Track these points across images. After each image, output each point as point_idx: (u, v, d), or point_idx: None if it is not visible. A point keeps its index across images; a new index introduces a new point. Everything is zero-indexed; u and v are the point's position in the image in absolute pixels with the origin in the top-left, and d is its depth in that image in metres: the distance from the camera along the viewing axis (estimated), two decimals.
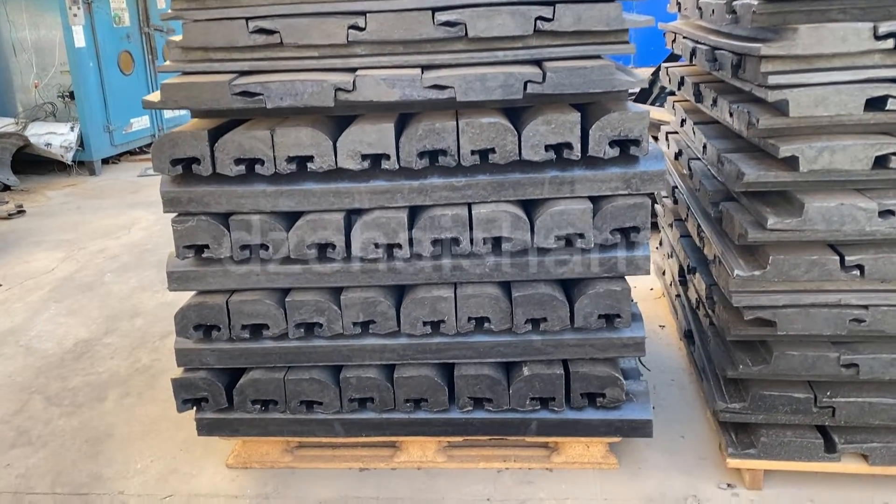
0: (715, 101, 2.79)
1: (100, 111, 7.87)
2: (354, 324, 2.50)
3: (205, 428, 2.69)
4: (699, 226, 2.86)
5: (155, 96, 2.30)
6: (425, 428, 2.64)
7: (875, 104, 2.15)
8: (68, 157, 7.64)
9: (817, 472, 2.52)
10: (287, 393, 2.58)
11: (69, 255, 5.38)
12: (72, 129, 7.63)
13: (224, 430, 2.69)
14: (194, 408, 2.68)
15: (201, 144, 2.29)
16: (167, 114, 8.97)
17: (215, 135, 2.33)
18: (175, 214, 2.43)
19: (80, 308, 4.40)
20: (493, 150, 2.28)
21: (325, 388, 2.57)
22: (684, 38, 3.27)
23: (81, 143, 7.77)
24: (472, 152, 2.29)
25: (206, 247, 2.43)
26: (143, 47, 8.52)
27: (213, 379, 2.60)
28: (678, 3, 3.37)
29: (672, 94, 4.20)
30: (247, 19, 2.27)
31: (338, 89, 2.23)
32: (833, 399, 2.41)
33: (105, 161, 8.18)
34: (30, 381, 3.56)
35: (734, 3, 2.49)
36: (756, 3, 2.24)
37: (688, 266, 3.06)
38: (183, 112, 9.26)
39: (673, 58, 7.08)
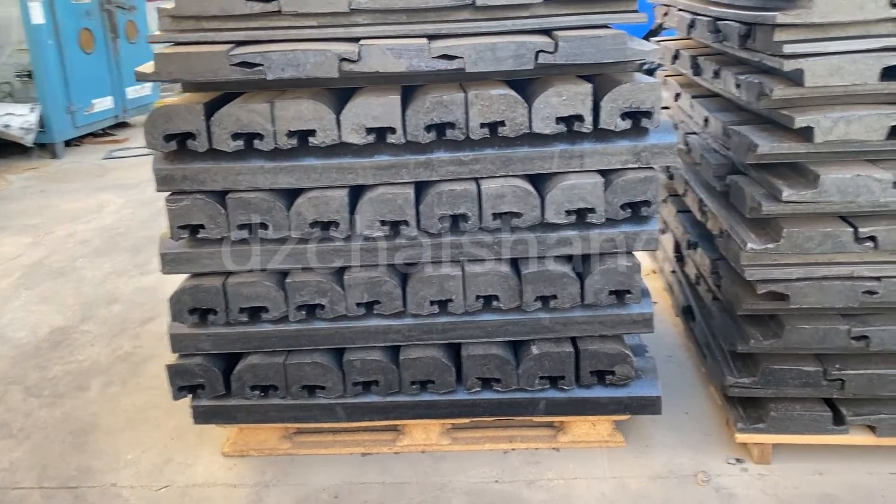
0: (717, 74, 2.75)
1: (61, 91, 7.57)
2: (358, 304, 2.42)
3: (201, 416, 2.59)
4: (701, 200, 2.83)
5: (148, 67, 2.17)
6: (431, 410, 2.58)
7: (890, 73, 2.12)
8: (29, 140, 7.35)
9: (826, 444, 2.52)
10: (288, 378, 2.50)
11: (36, 240, 5.18)
12: (31, 109, 7.34)
13: (221, 418, 2.60)
14: (190, 395, 2.57)
15: (196, 119, 2.18)
16: (131, 94, 8.69)
17: (211, 109, 2.21)
18: (168, 193, 2.32)
19: (53, 295, 4.23)
20: (502, 123, 2.21)
21: (328, 372, 2.49)
22: (679, 10, 3.23)
23: (42, 124, 7.48)
24: (482, 125, 2.21)
25: (202, 227, 2.32)
26: (104, 24, 8.21)
27: (210, 365, 2.50)
28: None
29: (654, 70, 4.17)
30: None
31: (342, 59, 2.13)
32: (842, 372, 2.41)
33: (67, 143, 7.89)
34: (5, 372, 3.41)
35: None
36: None
37: (688, 241, 3.03)
38: (148, 91, 9.00)
39: (652, 33, 7.07)
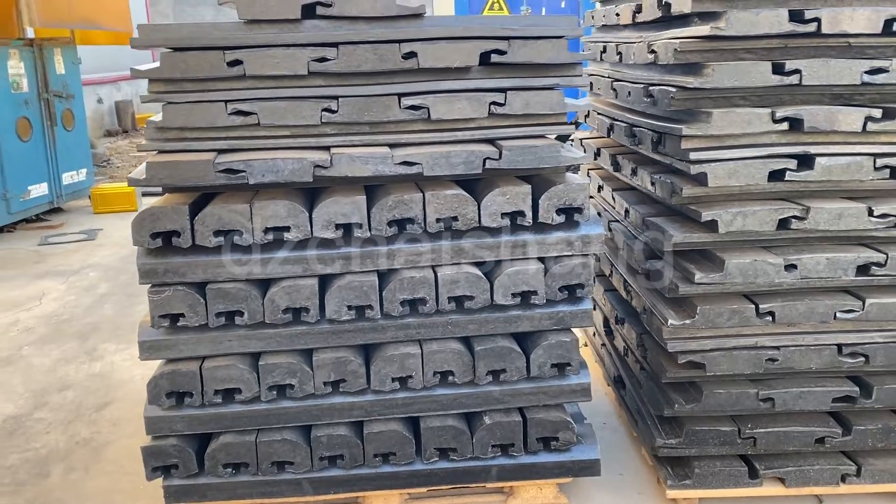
0: (634, 171, 3.17)
1: None
2: (325, 383, 2.64)
3: (172, 495, 2.72)
4: (625, 281, 3.20)
5: (140, 174, 2.42)
6: (392, 481, 2.78)
7: (776, 175, 2.56)
8: None
9: (743, 496, 2.84)
10: (259, 455, 2.67)
11: None
12: None
13: (192, 497, 2.73)
14: (162, 476, 2.71)
15: (182, 218, 2.42)
16: (66, 179, 8.74)
17: (192, 209, 2.46)
18: (150, 285, 2.52)
19: (1, 383, 4.25)
20: (455, 219, 2.53)
21: (297, 448, 2.68)
22: (599, 114, 3.68)
23: None
24: (437, 220, 2.52)
25: (182, 315, 2.53)
26: (42, 113, 8.32)
27: (184, 445, 2.66)
28: (590, 84, 3.79)
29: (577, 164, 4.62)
30: (226, 102, 2.44)
31: (316, 166, 2.42)
32: (754, 430, 2.75)
33: (1, 230, 7.85)
34: None
35: (650, 88, 2.88)
36: (673, 90, 2.63)
37: (615, 317, 3.38)
38: (83, 177, 9.06)
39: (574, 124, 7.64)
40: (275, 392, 2.63)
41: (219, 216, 2.43)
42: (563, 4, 10.68)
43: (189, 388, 2.59)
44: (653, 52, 2.82)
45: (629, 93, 3.15)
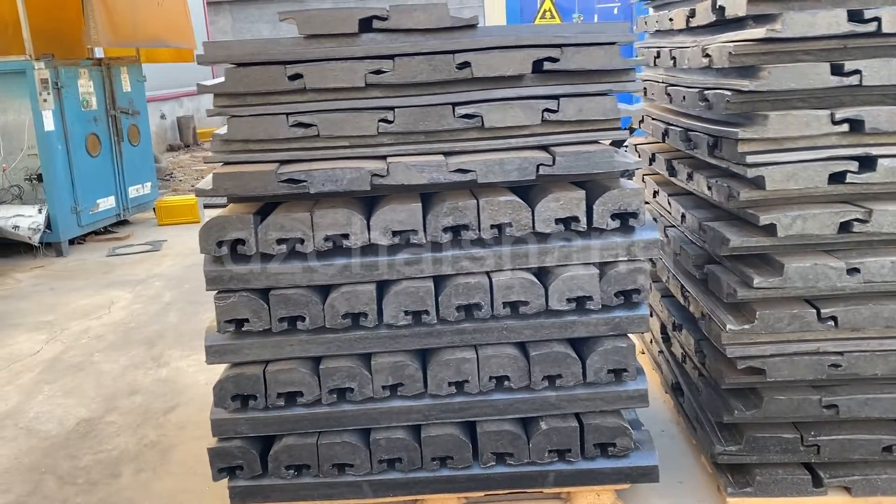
0: (690, 176, 3.15)
1: (67, 193, 7.93)
2: (384, 387, 2.70)
3: (238, 496, 2.81)
4: (682, 286, 3.18)
5: (206, 184, 2.52)
6: (450, 485, 2.82)
7: (836, 178, 2.52)
8: (36, 239, 7.65)
9: None
10: (320, 457, 2.74)
11: (52, 336, 5.40)
12: (39, 210, 7.66)
13: (257, 497, 2.81)
14: (227, 477, 2.80)
15: (247, 227, 2.51)
16: (132, 193, 9.07)
17: (256, 218, 2.55)
18: (216, 291, 2.62)
19: (75, 388, 4.44)
20: (510, 224, 2.56)
21: (357, 451, 2.74)
22: (653, 119, 3.66)
23: (49, 224, 7.80)
24: (492, 226, 2.56)
25: (246, 321, 2.62)
26: (110, 129, 8.66)
27: (248, 446, 2.75)
28: (644, 89, 3.78)
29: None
30: (287, 114, 2.53)
31: (373, 175, 2.49)
32: (817, 438, 2.70)
33: (71, 241, 8.19)
34: (38, 462, 3.60)
35: (705, 92, 2.87)
36: (729, 93, 2.61)
37: (673, 323, 3.36)
38: (148, 191, 9.38)
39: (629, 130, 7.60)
40: (335, 395, 2.70)
41: (281, 224, 2.52)
42: (615, 11, 10.65)
43: (253, 391, 2.68)
44: (707, 56, 2.81)
45: (684, 97, 3.14)
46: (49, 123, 7.70)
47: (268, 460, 2.76)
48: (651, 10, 4.00)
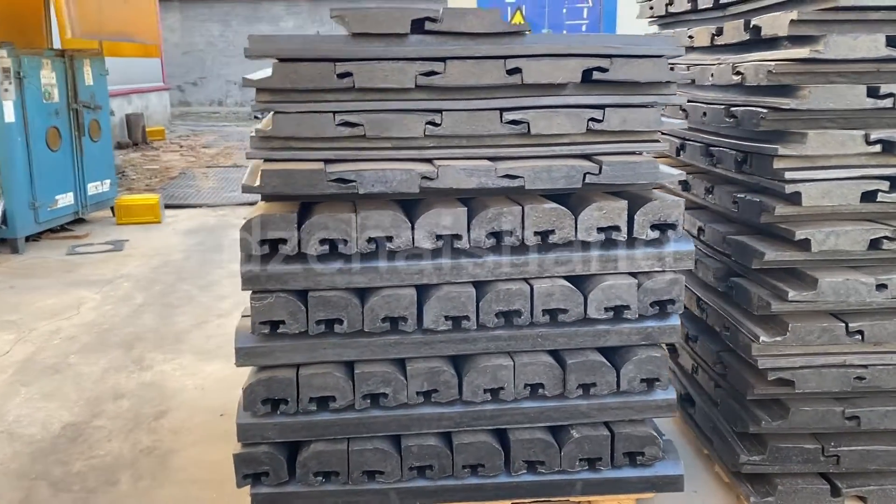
0: (709, 190, 3.22)
1: (25, 187, 7.60)
2: (418, 393, 2.66)
3: (260, 503, 2.72)
4: (699, 298, 3.23)
5: (253, 180, 2.45)
6: (478, 493, 2.79)
7: (867, 196, 2.60)
8: None
9: None
10: (350, 463, 2.68)
11: (20, 336, 5.15)
12: None
13: None
14: (250, 483, 2.71)
15: (290, 226, 2.45)
16: (91, 190, 8.75)
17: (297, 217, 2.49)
18: (252, 292, 2.54)
19: (54, 391, 4.25)
20: (552, 232, 2.57)
21: (388, 458, 2.69)
22: (664, 134, 3.72)
23: (4, 220, 7.46)
24: (535, 233, 2.56)
25: (282, 322, 2.54)
26: (71, 123, 8.35)
27: (276, 452, 2.67)
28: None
29: None
30: (334, 113, 2.48)
31: (423, 177, 2.46)
32: (838, 448, 2.78)
33: (27, 239, 7.85)
34: (26, 468, 3.42)
35: (733, 109, 2.94)
36: (764, 111, 2.68)
37: (686, 335, 3.41)
38: (107, 188, 9.07)
39: None
40: (368, 401, 2.64)
41: (325, 224, 2.46)
42: (583, 28, 10.83)
43: (285, 395, 2.60)
44: (738, 73, 2.88)
45: (704, 113, 3.21)
46: (9, 114, 7.38)
47: (296, 466, 2.69)
48: (655, 27, 4.08)
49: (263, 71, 2.66)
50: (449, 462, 2.73)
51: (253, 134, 2.53)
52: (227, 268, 6.81)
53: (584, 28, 10.79)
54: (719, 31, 3.14)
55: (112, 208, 9.17)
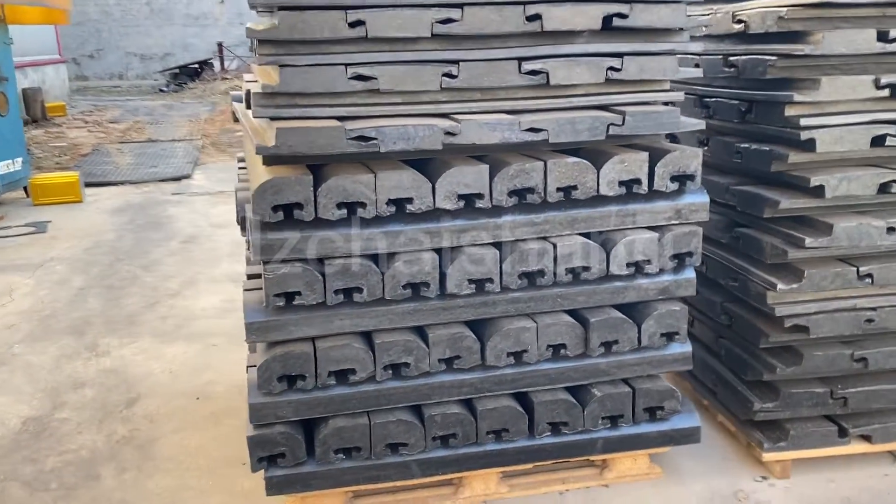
0: (703, 142, 3.20)
1: None
2: (440, 360, 2.55)
3: (275, 486, 2.56)
4: None
5: (269, 140, 2.24)
6: (499, 458, 2.71)
7: (877, 141, 2.63)
8: None
9: (832, 455, 2.92)
10: (373, 437, 2.55)
11: None
12: None
13: (296, 487, 2.58)
14: (266, 466, 2.54)
15: (306, 189, 2.27)
16: (1, 170, 8.09)
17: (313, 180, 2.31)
18: (265, 262, 2.35)
19: (3, 384, 3.91)
20: (575, 188, 2.48)
21: (412, 429, 2.57)
22: None
23: None
24: (558, 189, 2.47)
25: (298, 293, 2.37)
26: None
27: (293, 432, 2.51)
28: None
29: None
30: (346, 65, 2.30)
31: (446, 132, 2.32)
32: (845, 390, 2.84)
33: None
34: None
35: (732, 58, 2.92)
36: (773, 58, 2.66)
37: None
38: (19, 167, 8.42)
39: None
40: (390, 371, 2.51)
41: (343, 187, 2.30)
42: None
43: (303, 370, 2.44)
44: (740, 21, 2.85)
45: (696, 64, 3.17)
46: None
47: (315, 445, 2.54)
48: None
49: (258, 20, 2.45)
50: (473, 429, 2.64)
51: (256, 90, 2.32)
52: (167, 246, 6.46)
53: None
54: None
55: (26, 188, 8.54)
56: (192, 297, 5.15)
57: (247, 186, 2.88)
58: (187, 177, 9.40)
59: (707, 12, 3.12)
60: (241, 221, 2.68)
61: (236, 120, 3.41)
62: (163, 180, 9.38)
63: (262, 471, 2.55)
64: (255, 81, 2.74)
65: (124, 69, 24.41)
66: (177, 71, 21.68)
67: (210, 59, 23.66)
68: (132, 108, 16.81)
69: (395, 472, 2.65)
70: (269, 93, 2.31)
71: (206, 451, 3.21)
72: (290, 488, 2.58)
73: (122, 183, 9.34)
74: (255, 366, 2.61)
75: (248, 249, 2.52)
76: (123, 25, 23.77)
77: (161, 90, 20.49)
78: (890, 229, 2.66)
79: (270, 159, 2.44)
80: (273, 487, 2.57)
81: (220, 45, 24.04)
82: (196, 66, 22.24)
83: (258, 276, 2.69)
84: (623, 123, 2.47)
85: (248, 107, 2.64)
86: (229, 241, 6.53)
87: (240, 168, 3.35)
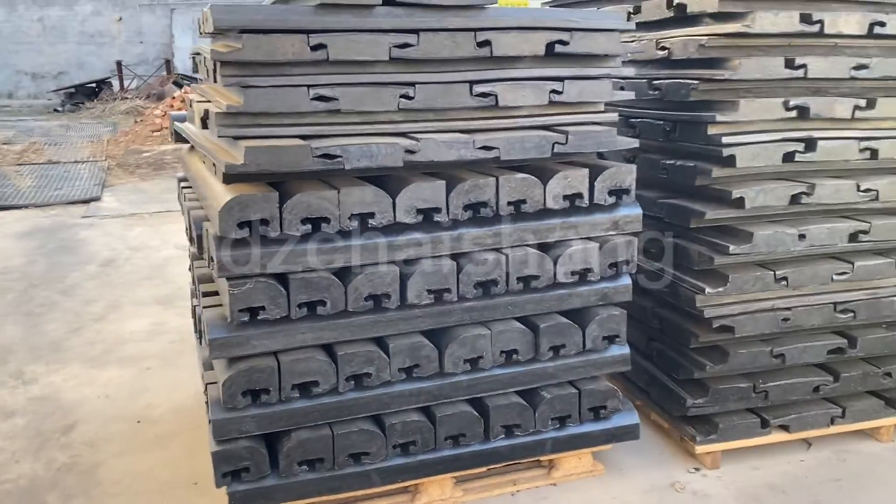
0: (630, 160, 3.43)
1: None
2: (400, 370, 2.64)
3: (238, 501, 2.57)
4: None
5: (237, 159, 2.29)
6: (455, 464, 2.82)
7: (787, 157, 2.92)
8: None
9: (756, 445, 3.18)
10: (336, 448, 2.61)
11: None
12: None
13: (259, 500, 2.60)
14: (230, 481, 2.56)
15: (272, 206, 2.33)
16: None
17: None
18: (228, 279, 2.39)
19: None
20: (524, 202, 2.65)
21: (374, 438, 2.65)
22: None
23: None
24: (508, 203, 2.63)
25: (262, 308, 2.42)
26: None
27: (256, 446, 2.54)
28: None
29: None
30: (308, 87, 2.39)
31: (406, 150, 2.44)
32: (765, 385, 3.10)
33: None
34: None
35: (655, 82, 3.17)
36: (695, 82, 2.92)
37: None
38: None
39: None
40: (352, 382, 2.59)
41: (308, 203, 2.37)
42: None
43: (267, 384, 2.49)
44: (663, 48, 3.11)
45: (622, 87, 3.41)
46: None
47: (279, 458, 2.57)
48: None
49: (219, 43, 2.51)
50: (431, 435, 2.74)
51: (220, 110, 2.37)
52: (84, 270, 6.26)
53: None
54: (637, 10, 3.35)
55: None
56: (119, 320, 5.03)
57: (199, 205, 2.90)
58: (97, 199, 9.08)
59: (632, 39, 3.38)
60: (197, 239, 2.70)
61: (179, 139, 3.40)
62: (71, 203, 9.03)
63: (219, 487, 2.56)
64: (207, 102, 2.78)
65: (14, 88, 23.30)
66: (73, 90, 20.87)
67: (108, 78, 22.89)
68: (26, 128, 16.04)
69: (356, 482, 2.71)
70: (232, 113, 2.37)
71: (154, 474, 3.17)
72: (253, 502, 2.60)
73: (25, 206, 8.92)
74: (214, 383, 2.65)
75: (210, 266, 2.55)
76: (14, 43, 22.73)
77: (56, 110, 19.67)
78: (801, 236, 2.95)
79: (231, 178, 2.49)
80: (236, 502, 2.58)
81: (118, 63, 23.31)
82: (93, 85, 21.49)
83: (215, 293, 2.74)
84: (566, 142, 2.65)
85: (204, 126, 2.69)
86: (149, 264, 6.40)
87: (184, 187, 3.35)
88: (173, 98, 14.87)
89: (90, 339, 4.74)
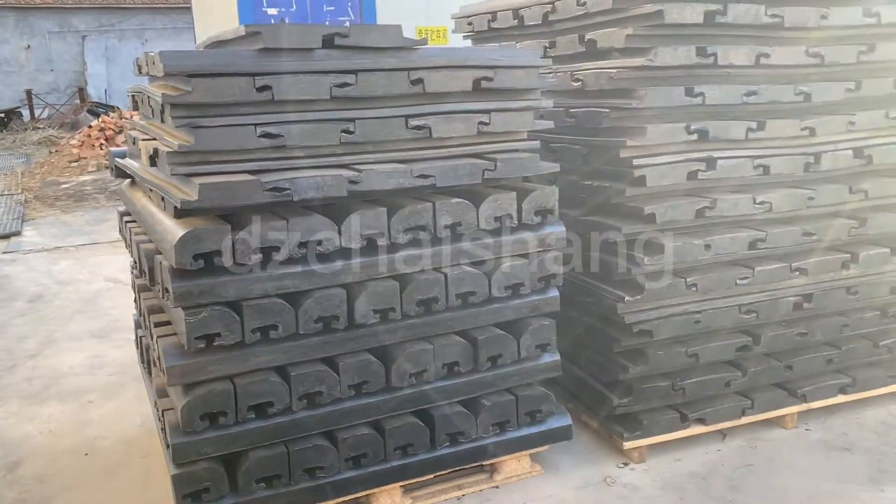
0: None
1: None
2: (349, 386, 2.82)
3: None
4: None
5: (191, 195, 2.43)
6: (404, 473, 3.01)
7: (691, 175, 3.25)
8: None
9: (678, 438, 3.48)
10: (291, 464, 2.76)
11: None
12: None
13: None
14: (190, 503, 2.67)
15: (225, 237, 2.48)
16: None
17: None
18: (183, 308, 2.53)
19: None
20: (459, 224, 2.88)
21: (327, 452, 2.81)
22: None
23: None
24: (445, 226, 2.85)
25: (218, 335, 2.56)
26: None
27: (216, 466, 2.67)
28: None
29: None
30: (255, 125, 2.56)
31: (350, 181, 2.63)
32: (683, 382, 3.41)
33: None
34: None
35: (571, 110, 3.47)
36: (607, 111, 3.22)
37: None
38: None
39: None
40: (305, 401, 2.75)
41: (259, 234, 2.53)
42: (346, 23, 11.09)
43: (224, 407, 2.62)
44: (577, 80, 3.41)
45: (542, 116, 3.69)
46: None
47: (237, 477, 2.70)
48: (472, 43, 4.56)
49: (161, 83, 2.66)
50: (381, 447, 2.92)
51: (171, 149, 2.52)
52: (11, 307, 6.16)
53: (347, 22, 11.07)
54: (552, 45, 3.65)
55: None
56: (55, 355, 5.00)
57: (147, 239, 3.01)
58: (17, 234, 8.87)
59: (549, 72, 3.67)
60: (149, 272, 2.82)
61: (120, 175, 3.50)
62: None
63: None
64: (153, 140, 2.91)
65: None
66: None
67: (18, 108, 22.19)
68: None
69: (311, 497, 2.86)
70: (183, 152, 2.52)
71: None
72: None
73: None
74: (171, 409, 2.76)
75: (163, 297, 2.67)
76: None
77: None
78: (707, 246, 3.27)
79: (181, 212, 2.62)
80: None
81: (28, 92, 22.62)
82: (2, 115, 20.81)
83: (167, 323, 2.85)
84: (495, 168, 2.90)
85: (153, 164, 2.82)
86: (80, 298, 6.34)
87: (128, 222, 3.44)
88: (90, 127, 14.56)
89: (27, 375, 4.70)
